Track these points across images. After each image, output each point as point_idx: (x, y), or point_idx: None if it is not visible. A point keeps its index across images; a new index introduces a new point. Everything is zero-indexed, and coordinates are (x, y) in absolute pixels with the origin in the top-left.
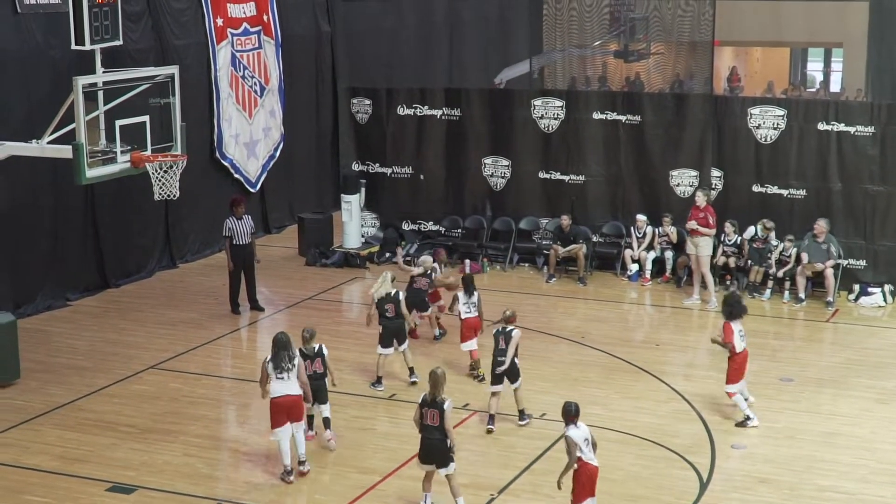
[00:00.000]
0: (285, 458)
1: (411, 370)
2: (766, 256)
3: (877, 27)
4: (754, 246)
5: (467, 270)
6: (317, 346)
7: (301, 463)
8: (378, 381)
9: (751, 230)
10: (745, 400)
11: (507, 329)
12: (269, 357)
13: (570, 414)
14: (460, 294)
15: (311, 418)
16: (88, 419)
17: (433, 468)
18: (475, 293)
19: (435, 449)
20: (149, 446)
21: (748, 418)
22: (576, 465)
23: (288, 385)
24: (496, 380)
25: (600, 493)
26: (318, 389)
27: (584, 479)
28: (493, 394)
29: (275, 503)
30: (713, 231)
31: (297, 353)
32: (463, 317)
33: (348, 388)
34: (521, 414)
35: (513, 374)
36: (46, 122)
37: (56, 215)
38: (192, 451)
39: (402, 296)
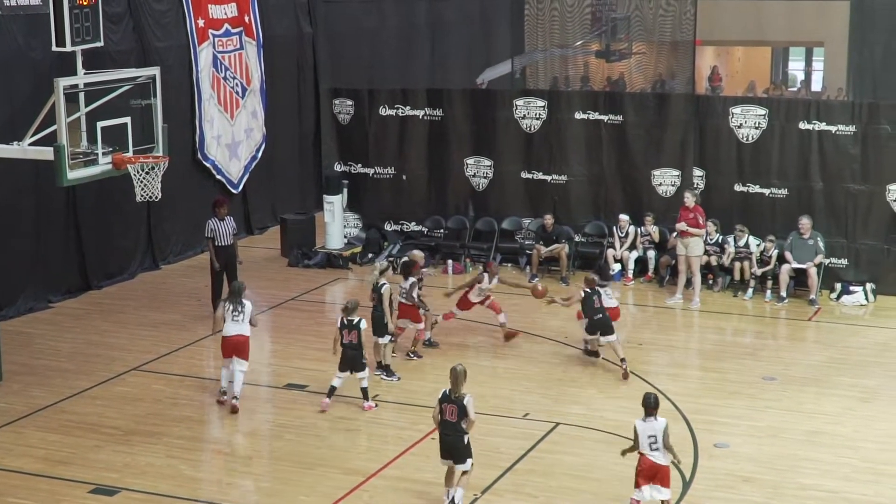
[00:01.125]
0: (223, 382)
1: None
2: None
3: (858, 26)
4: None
5: (450, 272)
6: (356, 319)
7: (234, 398)
8: (382, 367)
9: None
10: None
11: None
12: (226, 300)
13: (648, 406)
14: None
15: (332, 388)
16: (71, 421)
17: (451, 463)
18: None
19: (451, 445)
20: (132, 448)
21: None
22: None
23: (239, 327)
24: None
25: (583, 492)
26: (353, 358)
27: (639, 468)
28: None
29: None
30: (703, 231)
31: (248, 301)
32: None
33: None
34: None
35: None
36: (28, 124)
37: (37, 217)
38: (175, 453)
39: (385, 289)
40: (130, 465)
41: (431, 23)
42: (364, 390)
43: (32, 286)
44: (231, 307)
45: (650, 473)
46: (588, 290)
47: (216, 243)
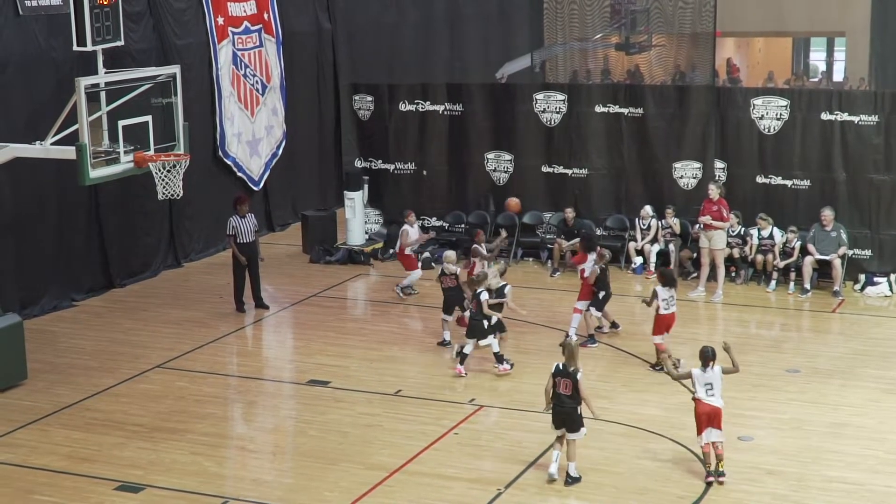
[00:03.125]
0: None
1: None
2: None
3: (880, 15)
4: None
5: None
6: (479, 290)
7: None
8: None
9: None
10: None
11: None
12: None
13: (707, 357)
14: (659, 289)
15: (463, 355)
16: (96, 419)
17: (563, 432)
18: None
19: (566, 416)
20: (156, 445)
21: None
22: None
23: None
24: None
25: (606, 486)
26: (474, 327)
27: (697, 414)
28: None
29: (282, 500)
30: (727, 224)
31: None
32: (661, 312)
33: (354, 385)
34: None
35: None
36: (50, 124)
37: (60, 216)
38: (200, 450)
39: (483, 297)
40: (155, 462)
41: (450, 17)
42: (496, 354)
43: (56, 285)
44: None
45: (709, 417)
46: (604, 265)
47: (238, 240)
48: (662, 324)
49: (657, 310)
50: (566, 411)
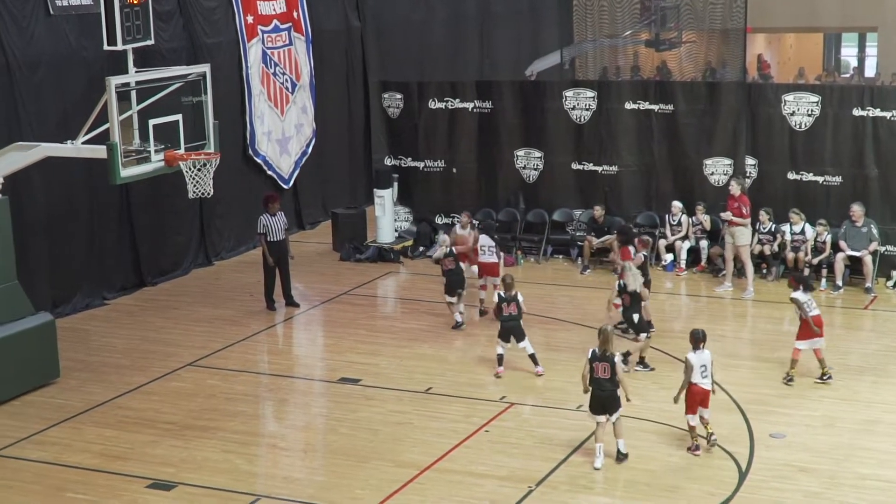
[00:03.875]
0: None
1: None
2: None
3: None
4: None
5: (502, 264)
6: (514, 293)
7: None
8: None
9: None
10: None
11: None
12: None
13: (698, 339)
14: (798, 295)
15: (500, 356)
16: (128, 417)
17: (605, 418)
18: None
19: (607, 399)
20: (188, 443)
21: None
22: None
23: None
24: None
25: (638, 483)
26: (513, 328)
27: (691, 394)
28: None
29: (314, 498)
30: (748, 220)
31: None
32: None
33: (384, 383)
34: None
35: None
36: (81, 123)
37: (92, 215)
38: (231, 447)
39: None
40: (187, 459)
41: (479, 15)
42: (531, 356)
43: (88, 283)
44: None
45: (701, 399)
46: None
47: (269, 239)
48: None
49: (802, 316)
50: (606, 395)
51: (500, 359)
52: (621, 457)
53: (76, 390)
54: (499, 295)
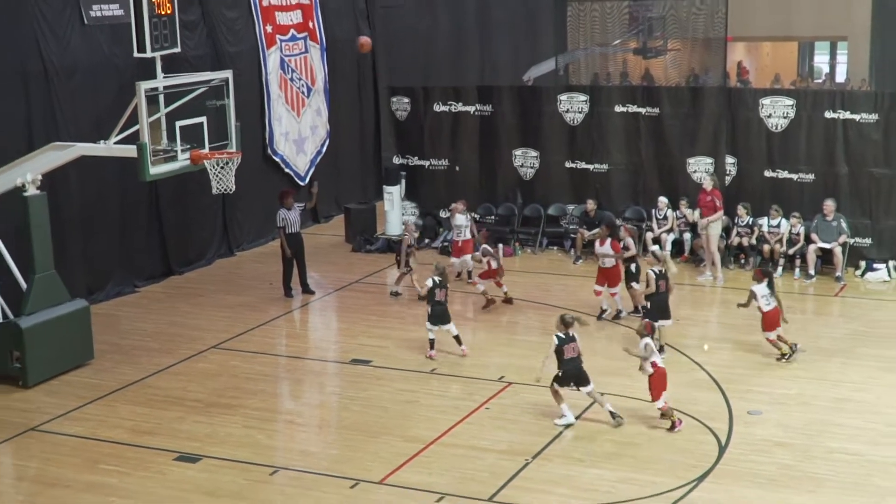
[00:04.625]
0: None
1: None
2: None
3: (879, 21)
4: (770, 234)
5: (500, 254)
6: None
7: None
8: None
9: (766, 221)
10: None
11: None
12: None
13: (651, 328)
14: (757, 288)
15: (432, 341)
16: (157, 395)
17: (573, 387)
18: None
19: (578, 373)
20: (212, 419)
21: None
22: (651, 370)
23: None
24: None
25: (624, 456)
26: (442, 313)
27: (658, 378)
28: None
29: (328, 470)
30: (720, 213)
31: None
32: (764, 310)
33: (393, 364)
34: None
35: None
36: (113, 125)
37: (123, 209)
38: (252, 423)
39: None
40: (211, 434)
41: (480, 24)
42: (456, 337)
43: (120, 272)
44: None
45: (665, 379)
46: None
47: (286, 231)
48: (770, 320)
49: (759, 308)
50: (578, 369)
51: (432, 343)
52: (618, 419)
53: (109, 371)
54: (433, 280)
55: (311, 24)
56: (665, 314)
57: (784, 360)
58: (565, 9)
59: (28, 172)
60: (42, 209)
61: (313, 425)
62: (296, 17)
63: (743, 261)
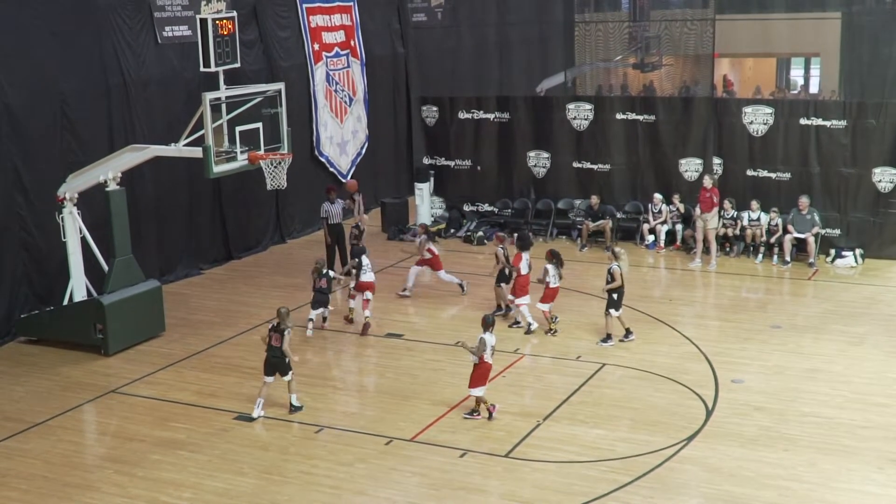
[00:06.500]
0: None
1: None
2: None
3: (848, 39)
4: (751, 227)
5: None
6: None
7: None
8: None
9: (748, 214)
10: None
11: None
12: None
13: (488, 323)
14: (549, 266)
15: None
16: (219, 363)
17: (275, 378)
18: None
19: (278, 362)
20: None
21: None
22: (477, 360)
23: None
24: None
25: (623, 419)
26: (277, 364)
27: (484, 373)
28: None
29: (365, 428)
30: (716, 209)
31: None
32: (551, 286)
33: (422, 337)
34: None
35: None
36: (182, 130)
37: (190, 203)
38: (300, 388)
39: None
40: (266, 397)
41: (499, 43)
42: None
43: (187, 257)
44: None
45: (489, 373)
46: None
47: (329, 222)
48: (550, 295)
49: (547, 284)
50: (278, 360)
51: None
52: (294, 409)
53: (178, 342)
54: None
55: (352, 43)
56: (617, 305)
57: (550, 334)
58: (573, 29)
59: (109, 170)
60: (121, 202)
61: (353, 390)
62: (339, 36)
63: (728, 248)
